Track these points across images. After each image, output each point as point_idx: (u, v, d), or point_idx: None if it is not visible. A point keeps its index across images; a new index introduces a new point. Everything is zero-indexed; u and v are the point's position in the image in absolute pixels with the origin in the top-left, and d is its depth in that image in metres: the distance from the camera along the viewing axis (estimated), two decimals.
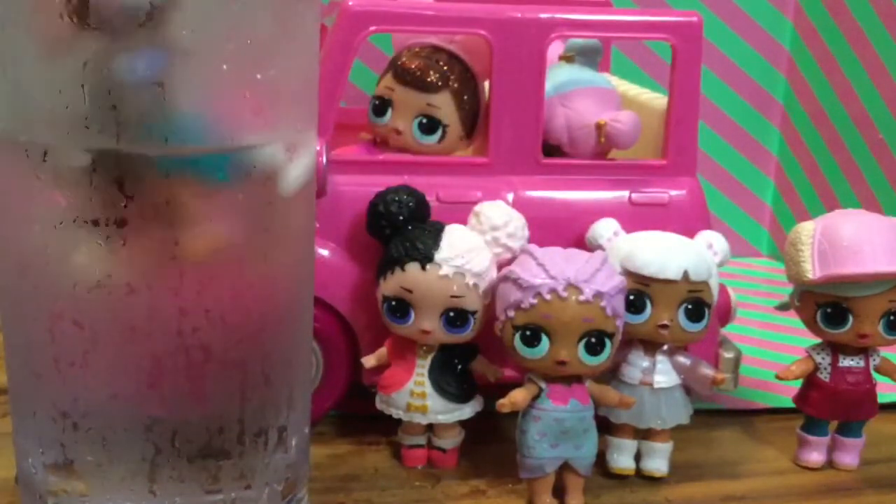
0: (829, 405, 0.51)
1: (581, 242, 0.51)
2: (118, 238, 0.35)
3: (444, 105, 0.52)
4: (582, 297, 0.44)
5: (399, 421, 0.50)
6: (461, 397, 0.49)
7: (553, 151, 0.55)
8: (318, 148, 0.48)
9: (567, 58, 0.59)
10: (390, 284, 0.48)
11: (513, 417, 0.47)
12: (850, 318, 0.49)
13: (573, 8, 0.53)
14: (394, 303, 0.48)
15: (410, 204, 0.49)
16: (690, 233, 0.51)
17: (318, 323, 0.49)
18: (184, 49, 0.35)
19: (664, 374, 0.49)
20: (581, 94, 0.55)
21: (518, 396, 0.46)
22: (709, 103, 0.81)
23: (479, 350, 0.50)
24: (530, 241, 0.49)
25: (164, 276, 0.36)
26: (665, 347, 0.49)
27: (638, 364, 0.49)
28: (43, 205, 0.36)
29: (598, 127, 0.53)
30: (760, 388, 0.60)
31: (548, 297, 0.44)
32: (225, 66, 0.35)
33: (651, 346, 0.49)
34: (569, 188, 0.53)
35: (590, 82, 0.56)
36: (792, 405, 0.53)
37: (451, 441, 0.50)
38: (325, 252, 0.51)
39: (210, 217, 0.36)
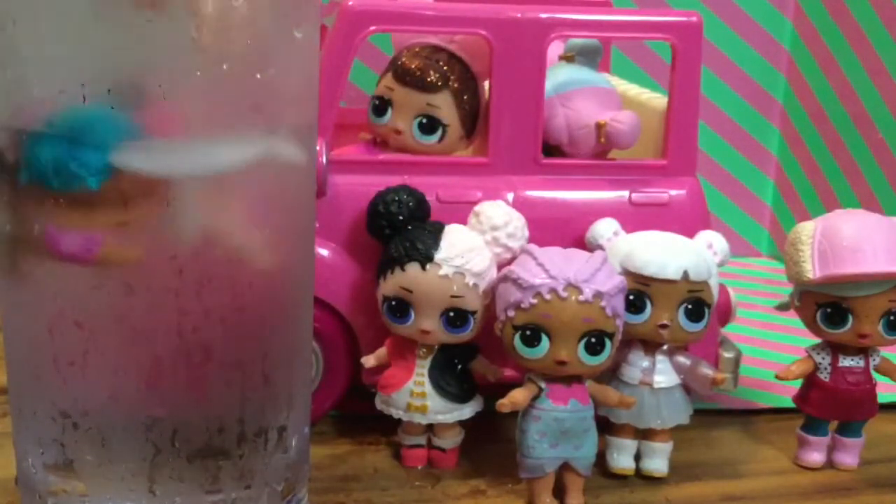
0: (829, 405, 0.51)
1: (581, 242, 0.51)
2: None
3: (444, 105, 0.52)
4: (582, 297, 0.44)
5: (399, 421, 0.50)
6: (461, 397, 0.49)
7: (553, 151, 0.55)
8: (318, 148, 0.48)
9: (567, 58, 0.59)
10: (390, 284, 0.48)
11: (513, 417, 0.47)
12: (850, 318, 0.49)
13: (573, 8, 0.53)
14: (394, 303, 0.48)
15: (410, 204, 0.49)
16: (690, 233, 0.51)
17: (318, 323, 0.49)
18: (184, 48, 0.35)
19: (664, 374, 0.49)
20: (581, 94, 0.55)
21: (518, 396, 0.46)
22: (709, 103, 0.81)
23: (479, 350, 0.50)
24: (530, 241, 0.49)
25: (163, 276, 0.36)
26: (665, 347, 0.49)
27: (638, 364, 0.49)
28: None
29: (598, 127, 0.53)
30: (760, 388, 0.60)
31: (548, 296, 0.44)
32: (225, 66, 0.35)
33: (651, 346, 0.49)
34: (569, 188, 0.53)
35: (590, 82, 0.56)
36: (792, 405, 0.53)
37: (451, 441, 0.50)
38: (325, 252, 0.51)
39: (210, 216, 0.36)
